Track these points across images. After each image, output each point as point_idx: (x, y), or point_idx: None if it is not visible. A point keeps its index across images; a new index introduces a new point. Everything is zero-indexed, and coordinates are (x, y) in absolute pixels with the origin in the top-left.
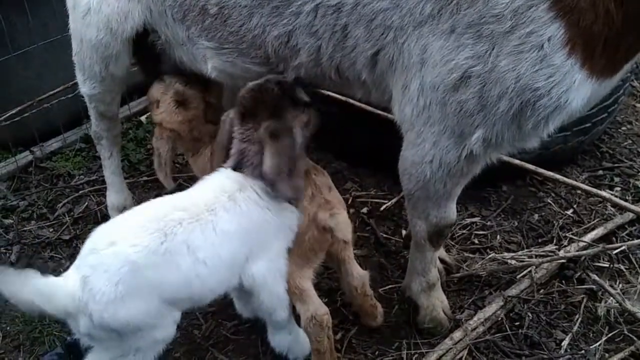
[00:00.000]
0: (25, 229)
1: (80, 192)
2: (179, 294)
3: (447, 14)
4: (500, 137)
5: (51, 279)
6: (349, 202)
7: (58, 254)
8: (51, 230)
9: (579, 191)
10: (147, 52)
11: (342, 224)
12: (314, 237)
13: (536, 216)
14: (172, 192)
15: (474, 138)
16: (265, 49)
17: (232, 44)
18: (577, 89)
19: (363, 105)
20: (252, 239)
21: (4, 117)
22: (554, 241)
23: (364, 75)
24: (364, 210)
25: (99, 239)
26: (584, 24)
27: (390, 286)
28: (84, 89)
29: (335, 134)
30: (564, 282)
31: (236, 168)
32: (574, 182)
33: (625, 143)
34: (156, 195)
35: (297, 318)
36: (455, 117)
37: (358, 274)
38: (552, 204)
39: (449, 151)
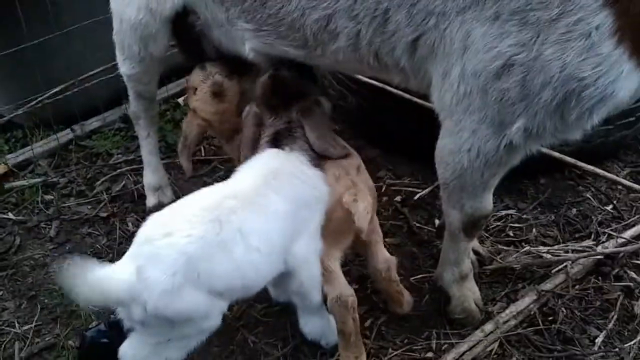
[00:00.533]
0: (64, 205)
1: (118, 170)
2: (233, 283)
3: (491, 0)
4: (542, 127)
5: (106, 269)
6: (383, 190)
7: (95, 231)
8: (89, 207)
9: (619, 186)
10: (186, 33)
11: (361, 213)
12: (341, 218)
13: (574, 210)
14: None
15: (514, 128)
16: (303, 32)
17: (271, 26)
18: (624, 80)
19: (399, 92)
20: (298, 216)
21: (46, 95)
22: (592, 236)
23: (403, 61)
24: (398, 198)
25: (155, 229)
26: (634, 12)
27: (421, 275)
28: (123, 68)
29: (369, 120)
30: (600, 278)
31: (274, 144)
32: (615, 177)
33: None
34: (191, 177)
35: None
36: (496, 106)
37: (384, 258)
38: (591, 198)
39: (488, 140)
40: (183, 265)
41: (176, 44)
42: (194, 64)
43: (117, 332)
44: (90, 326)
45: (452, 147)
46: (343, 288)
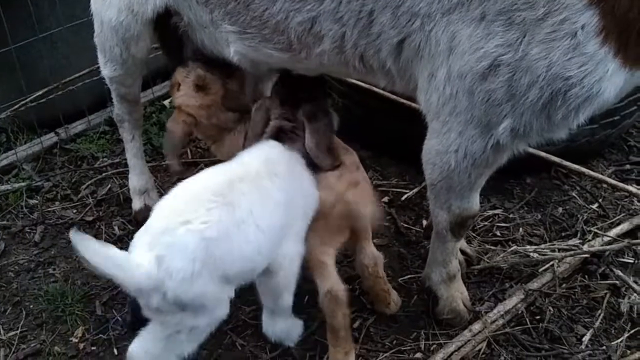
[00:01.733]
0: (49, 209)
1: (103, 174)
2: (245, 265)
3: (477, 1)
4: (529, 127)
5: (128, 255)
6: None
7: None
8: (74, 211)
9: (604, 185)
10: (169, 35)
11: (365, 205)
12: (341, 214)
13: (560, 209)
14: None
15: (501, 128)
16: (288, 35)
17: (255, 28)
18: (610, 79)
19: (386, 94)
20: (290, 209)
21: (30, 98)
22: (578, 235)
23: (389, 64)
24: (385, 199)
25: (169, 217)
26: (619, 12)
27: (409, 276)
28: (105, 71)
29: (357, 122)
30: (586, 277)
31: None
32: (600, 176)
33: None
34: (178, 179)
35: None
36: (482, 107)
37: (371, 253)
38: (577, 197)
39: (475, 141)
40: (202, 252)
41: (159, 46)
42: (177, 66)
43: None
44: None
45: (439, 148)
46: (334, 282)
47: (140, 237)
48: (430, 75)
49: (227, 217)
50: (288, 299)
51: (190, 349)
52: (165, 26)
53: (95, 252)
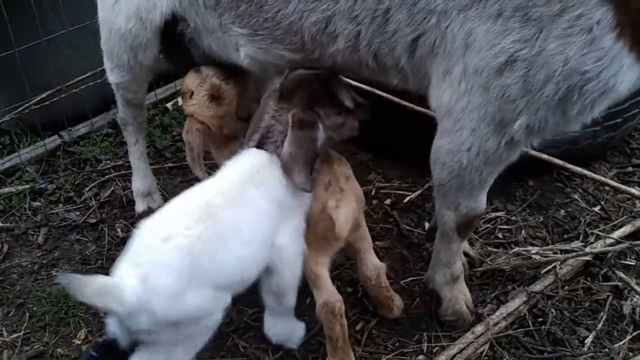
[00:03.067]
0: (52, 211)
1: (106, 176)
2: (233, 277)
3: None
4: (544, 122)
5: (111, 280)
6: (372, 194)
7: (84, 237)
8: (78, 213)
9: (607, 187)
10: (175, 42)
11: (341, 220)
12: (326, 226)
13: (562, 212)
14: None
15: (516, 125)
16: (301, 35)
17: (267, 30)
18: (625, 73)
19: (388, 96)
20: (279, 215)
21: (34, 101)
22: (580, 237)
23: (403, 61)
24: (387, 202)
25: (152, 235)
26: (633, 7)
27: (412, 278)
28: (112, 77)
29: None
30: (589, 279)
31: (260, 144)
32: (602, 178)
33: None
34: (181, 182)
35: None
36: (497, 103)
37: (373, 265)
38: (579, 200)
39: (489, 138)
40: (187, 266)
41: (163, 53)
42: (183, 72)
43: (111, 352)
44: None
45: (450, 147)
46: (329, 294)
47: (123, 261)
48: (446, 71)
49: (208, 232)
50: (291, 299)
51: (189, 357)
52: (171, 33)
53: (85, 288)
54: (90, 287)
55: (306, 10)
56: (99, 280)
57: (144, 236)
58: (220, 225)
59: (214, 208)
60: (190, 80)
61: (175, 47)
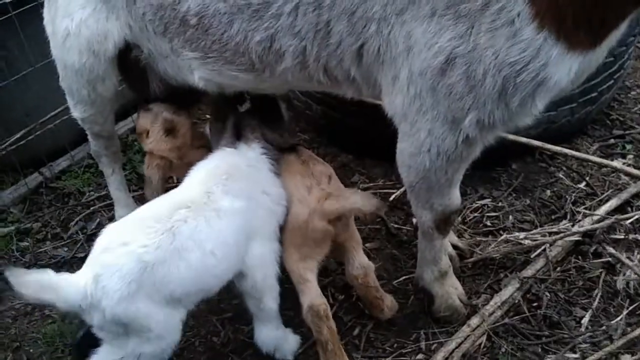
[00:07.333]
0: (40, 250)
1: (91, 208)
2: (190, 288)
3: None
4: (492, 117)
5: (64, 276)
6: None
7: (74, 273)
8: (66, 249)
9: (590, 162)
10: (131, 69)
11: (353, 198)
12: (316, 229)
13: (548, 192)
14: None
15: (467, 121)
16: (249, 55)
17: (216, 52)
18: (557, 63)
19: None
20: (253, 213)
21: (10, 141)
22: (568, 217)
23: (353, 72)
24: None
25: (111, 238)
26: None
27: (404, 277)
28: (76, 112)
29: (337, 127)
30: (580, 257)
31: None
32: (583, 155)
33: (636, 108)
34: None
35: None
36: (446, 102)
37: (360, 264)
38: (564, 178)
39: (445, 138)
40: (139, 274)
41: (124, 81)
42: (143, 98)
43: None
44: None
45: (411, 150)
46: (314, 297)
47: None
48: (394, 77)
49: (166, 243)
50: (270, 303)
51: None
52: (126, 60)
53: (28, 281)
54: (33, 282)
55: (250, 29)
56: (44, 276)
57: (104, 239)
58: (181, 239)
59: (177, 222)
60: (143, 120)
61: (134, 74)
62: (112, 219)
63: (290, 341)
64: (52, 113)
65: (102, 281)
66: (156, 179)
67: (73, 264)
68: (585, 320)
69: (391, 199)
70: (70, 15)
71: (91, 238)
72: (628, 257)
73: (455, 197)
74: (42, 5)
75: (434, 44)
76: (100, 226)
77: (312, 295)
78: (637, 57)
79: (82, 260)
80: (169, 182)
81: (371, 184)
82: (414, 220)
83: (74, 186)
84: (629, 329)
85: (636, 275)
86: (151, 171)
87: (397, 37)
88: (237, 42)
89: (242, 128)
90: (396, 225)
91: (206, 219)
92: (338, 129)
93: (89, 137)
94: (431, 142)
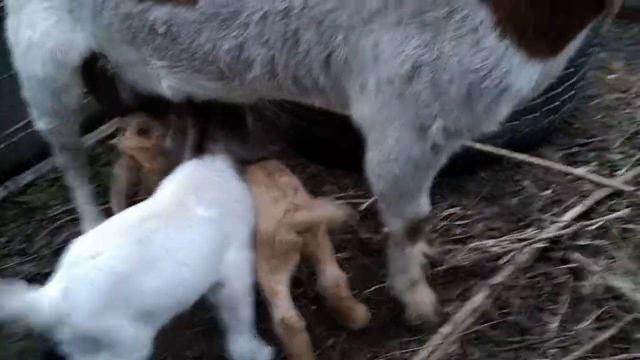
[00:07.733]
0: (5, 266)
1: (58, 222)
2: (163, 301)
3: (392, 7)
4: (458, 124)
5: (32, 291)
6: None
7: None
8: (32, 265)
9: (555, 170)
10: (98, 79)
11: (322, 209)
12: (283, 241)
13: (515, 200)
14: None
15: (434, 128)
16: (217, 64)
17: (185, 61)
18: (519, 71)
19: None
20: (226, 222)
21: None
22: (535, 224)
23: (321, 81)
24: None
25: (80, 251)
26: (509, 6)
27: (375, 287)
28: (40, 124)
29: (306, 137)
30: (547, 264)
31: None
32: (547, 163)
33: (597, 117)
34: None
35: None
36: (413, 109)
37: (331, 275)
38: (531, 185)
39: (414, 145)
40: (109, 286)
41: (89, 92)
42: (111, 113)
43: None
44: None
45: (380, 158)
46: (285, 310)
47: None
48: (362, 86)
49: (137, 255)
50: (246, 312)
51: None
52: (92, 71)
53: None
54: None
55: (218, 38)
56: (17, 287)
57: (73, 251)
58: (152, 250)
59: (146, 231)
60: (123, 122)
61: (101, 84)
62: (79, 233)
63: (264, 353)
64: (17, 126)
65: (71, 295)
66: (123, 177)
67: (39, 280)
68: (554, 326)
69: (362, 208)
70: (33, 25)
71: (57, 253)
72: (594, 263)
73: (424, 204)
74: (3, 17)
75: (401, 52)
76: (67, 241)
77: (283, 308)
78: (597, 67)
79: (49, 276)
80: (139, 196)
81: (342, 194)
82: (385, 229)
83: (39, 200)
84: (598, 333)
85: (602, 280)
86: (119, 169)
87: (364, 46)
88: (206, 50)
89: (204, 140)
90: (367, 235)
91: (178, 228)
92: (307, 139)
93: (55, 149)
94: (399, 150)
